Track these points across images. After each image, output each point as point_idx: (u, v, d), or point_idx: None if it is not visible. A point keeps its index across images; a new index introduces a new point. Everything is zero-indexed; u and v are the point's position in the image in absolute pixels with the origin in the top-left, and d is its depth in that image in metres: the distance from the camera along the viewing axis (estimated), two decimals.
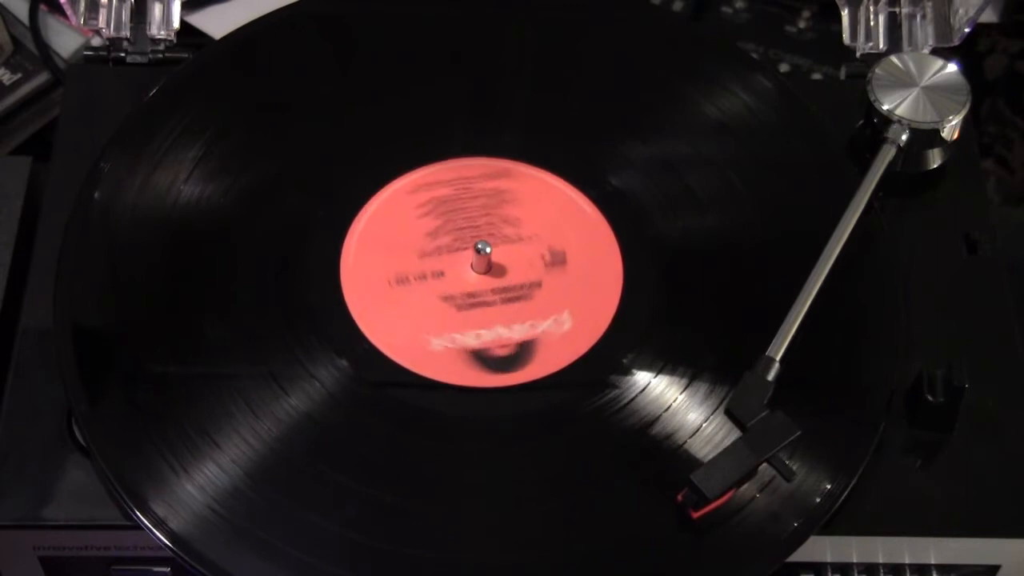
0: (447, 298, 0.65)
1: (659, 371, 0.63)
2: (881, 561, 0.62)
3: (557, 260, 0.66)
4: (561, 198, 0.68)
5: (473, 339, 0.64)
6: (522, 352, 0.64)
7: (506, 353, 0.64)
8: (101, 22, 0.74)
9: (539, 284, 0.65)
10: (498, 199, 0.67)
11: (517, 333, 0.64)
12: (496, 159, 0.69)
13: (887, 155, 0.68)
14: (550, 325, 0.64)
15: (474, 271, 0.66)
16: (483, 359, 0.63)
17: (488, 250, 0.65)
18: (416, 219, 0.67)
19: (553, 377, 0.63)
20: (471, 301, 0.65)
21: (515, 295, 0.65)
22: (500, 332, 0.64)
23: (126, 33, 0.74)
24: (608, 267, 0.66)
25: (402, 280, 0.66)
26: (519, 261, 0.66)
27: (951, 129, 0.69)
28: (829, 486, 0.60)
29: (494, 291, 0.65)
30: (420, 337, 0.64)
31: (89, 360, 0.62)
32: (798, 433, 0.58)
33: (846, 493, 0.60)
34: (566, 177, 0.69)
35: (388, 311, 0.65)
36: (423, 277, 0.66)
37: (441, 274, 0.66)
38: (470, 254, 0.66)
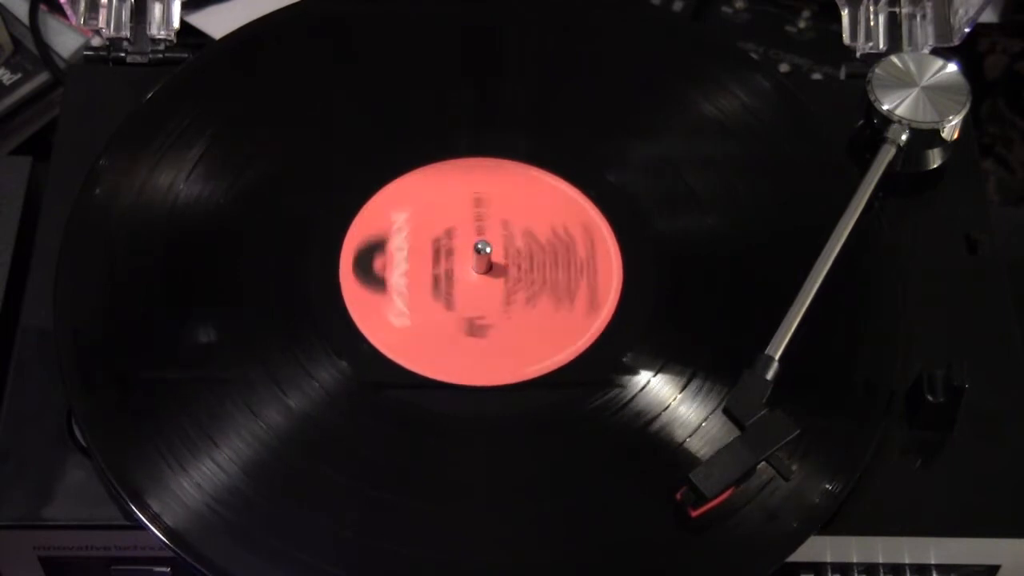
0: (437, 241, 0.66)
1: (658, 370, 0.63)
2: (881, 561, 0.62)
3: (474, 330, 0.64)
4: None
5: (402, 261, 0.66)
6: (376, 282, 0.65)
7: (376, 267, 0.65)
8: (101, 22, 0.74)
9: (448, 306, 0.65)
10: (562, 293, 0.66)
11: (393, 275, 0.65)
12: (497, 159, 0.69)
13: (887, 155, 0.68)
14: (397, 306, 0.64)
15: (474, 269, 0.66)
16: (363, 258, 0.65)
17: (488, 250, 0.65)
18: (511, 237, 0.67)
19: (552, 376, 0.63)
20: (444, 249, 0.66)
21: (441, 284, 0.65)
22: (400, 263, 0.65)
23: (126, 33, 0.74)
24: (607, 266, 0.66)
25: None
26: (491, 298, 0.65)
27: (951, 129, 0.69)
28: (829, 486, 0.60)
29: (447, 272, 0.66)
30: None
31: (89, 360, 0.62)
32: (797, 432, 0.59)
33: (846, 493, 0.60)
34: (566, 177, 0.69)
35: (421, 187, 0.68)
36: (450, 233, 0.67)
37: (452, 233, 0.67)
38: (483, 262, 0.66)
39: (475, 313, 0.65)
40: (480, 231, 0.67)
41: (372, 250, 0.66)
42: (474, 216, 0.67)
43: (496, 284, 0.66)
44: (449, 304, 0.65)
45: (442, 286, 0.65)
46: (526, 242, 0.67)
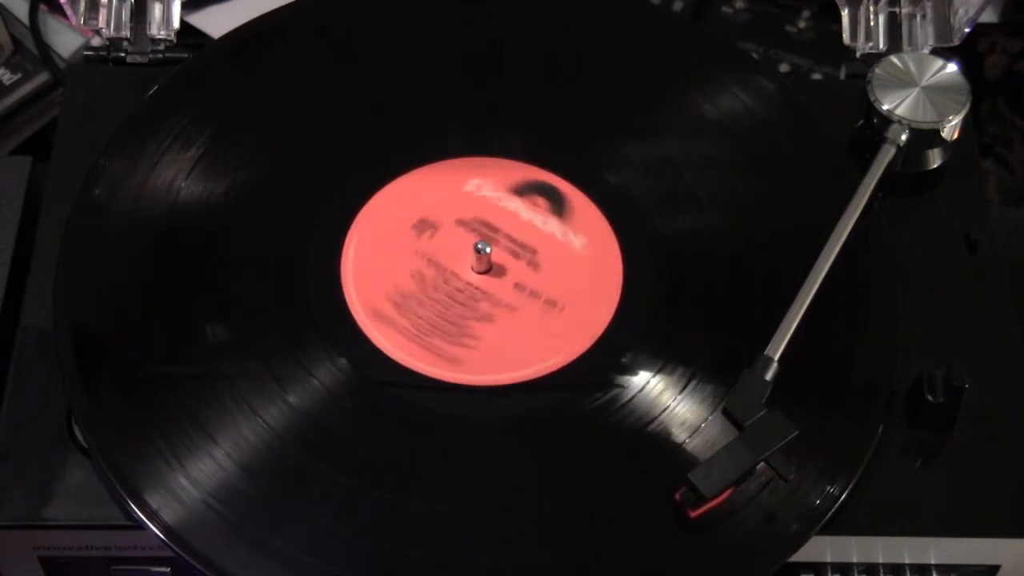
0: (510, 240, 0.67)
1: (658, 371, 0.63)
2: (881, 561, 0.62)
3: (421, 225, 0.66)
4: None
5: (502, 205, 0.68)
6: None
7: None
8: (101, 22, 0.74)
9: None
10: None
11: (485, 189, 0.68)
12: (497, 158, 0.69)
13: (887, 155, 0.68)
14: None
15: (473, 269, 0.66)
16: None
17: (488, 250, 0.65)
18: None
19: (553, 377, 0.63)
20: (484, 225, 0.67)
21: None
22: (497, 202, 0.68)
23: (126, 33, 0.74)
24: (608, 267, 0.66)
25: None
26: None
27: (951, 129, 0.69)
28: (829, 486, 0.60)
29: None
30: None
31: (89, 360, 0.62)
32: (796, 432, 0.59)
33: (846, 493, 0.60)
34: (566, 177, 0.69)
35: None
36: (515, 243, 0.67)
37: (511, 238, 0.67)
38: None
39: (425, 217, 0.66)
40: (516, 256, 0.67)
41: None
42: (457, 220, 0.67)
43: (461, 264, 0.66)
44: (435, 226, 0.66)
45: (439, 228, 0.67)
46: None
